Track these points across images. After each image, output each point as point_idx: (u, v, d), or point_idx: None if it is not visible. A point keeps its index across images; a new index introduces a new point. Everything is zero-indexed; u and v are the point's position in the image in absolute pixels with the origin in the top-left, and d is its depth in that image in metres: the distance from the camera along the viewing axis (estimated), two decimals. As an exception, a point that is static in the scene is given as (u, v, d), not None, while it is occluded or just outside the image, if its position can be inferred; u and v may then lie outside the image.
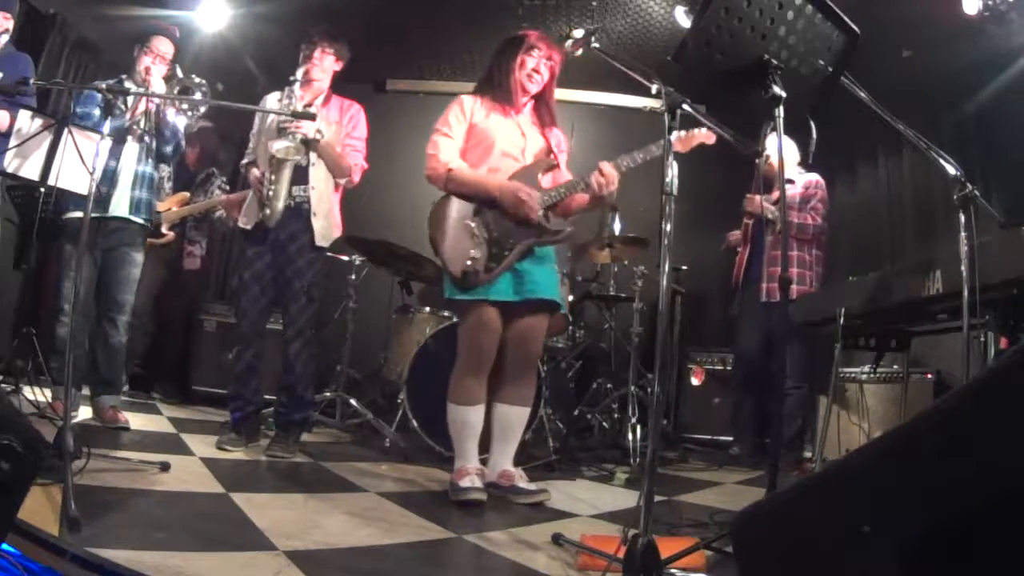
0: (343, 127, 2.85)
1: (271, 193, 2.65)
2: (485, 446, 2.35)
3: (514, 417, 2.33)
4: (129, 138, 2.85)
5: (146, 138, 2.89)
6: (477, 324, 2.24)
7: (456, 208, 2.27)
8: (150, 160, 2.94)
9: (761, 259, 3.53)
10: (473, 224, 2.24)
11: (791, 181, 3.51)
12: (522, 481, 2.26)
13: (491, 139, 2.33)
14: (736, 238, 3.77)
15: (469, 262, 2.19)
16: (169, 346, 4.25)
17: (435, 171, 2.30)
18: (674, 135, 2.42)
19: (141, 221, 2.93)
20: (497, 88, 2.40)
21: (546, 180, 2.38)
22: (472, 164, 2.32)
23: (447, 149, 2.31)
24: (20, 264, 3.61)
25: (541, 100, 2.47)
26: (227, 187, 4.19)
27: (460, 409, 2.26)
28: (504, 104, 2.39)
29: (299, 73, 2.75)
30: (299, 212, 2.74)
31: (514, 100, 2.39)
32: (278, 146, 2.60)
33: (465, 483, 2.15)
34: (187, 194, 3.98)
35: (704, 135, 2.27)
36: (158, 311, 4.16)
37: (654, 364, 1.46)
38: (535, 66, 2.38)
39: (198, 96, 2.52)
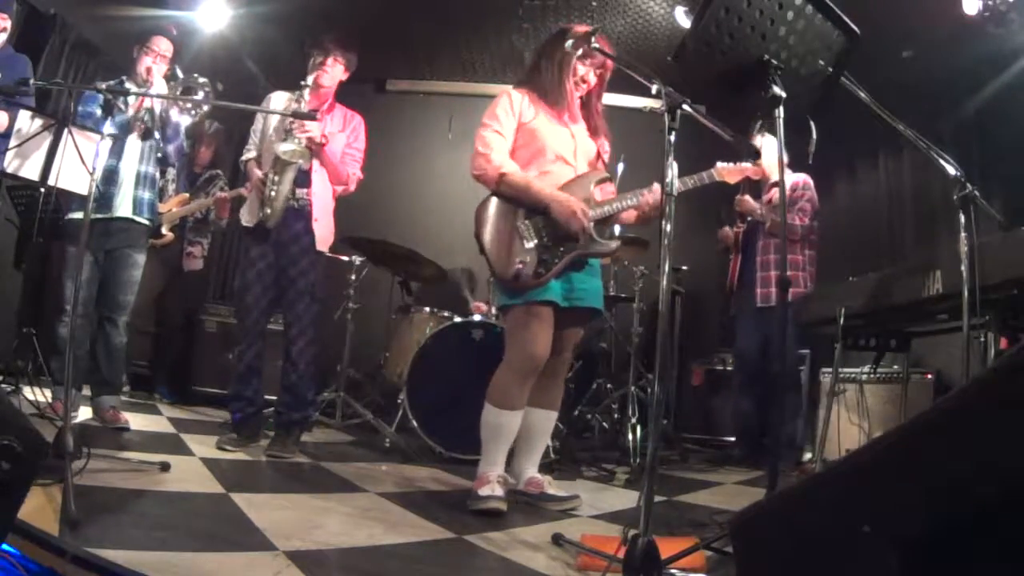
0: (346, 137, 2.88)
1: (272, 193, 2.69)
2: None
3: (542, 421, 2.27)
4: (131, 137, 2.84)
5: (148, 140, 2.87)
6: (535, 326, 2.10)
7: (506, 209, 2.17)
8: (152, 160, 2.94)
9: (754, 263, 3.51)
10: (523, 227, 2.14)
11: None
12: (552, 488, 2.22)
13: (541, 141, 2.22)
14: (727, 235, 3.73)
15: (520, 265, 2.10)
16: (170, 347, 4.26)
17: (485, 172, 2.17)
18: (721, 165, 2.33)
19: (145, 221, 2.93)
20: (547, 89, 2.26)
21: (598, 191, 2.26)
22: (522, 165, 2.21)
23: (499, 148, 2.18)
24: (20, 264, 3.61)
25: (588, 105, 2.35)
26: (227, 188, 4.20)
27: (501, 413, 2.12)
28: (554, 106, 2.26)
29: (310, 79, 2.76)
30: (302, 214, 2.77)
31: (566, 104, 2.27)
32: (284, 148, 2.65)
33: (484, 491, 2.03)
34: (186, 195, 3.99)
35: (752, 169, 2.29)
36: (158, 312, 4.17)
37: (654, 364, 1.46)
38: (584, 75, 2.27)
39: (201, 95, 2.53)
